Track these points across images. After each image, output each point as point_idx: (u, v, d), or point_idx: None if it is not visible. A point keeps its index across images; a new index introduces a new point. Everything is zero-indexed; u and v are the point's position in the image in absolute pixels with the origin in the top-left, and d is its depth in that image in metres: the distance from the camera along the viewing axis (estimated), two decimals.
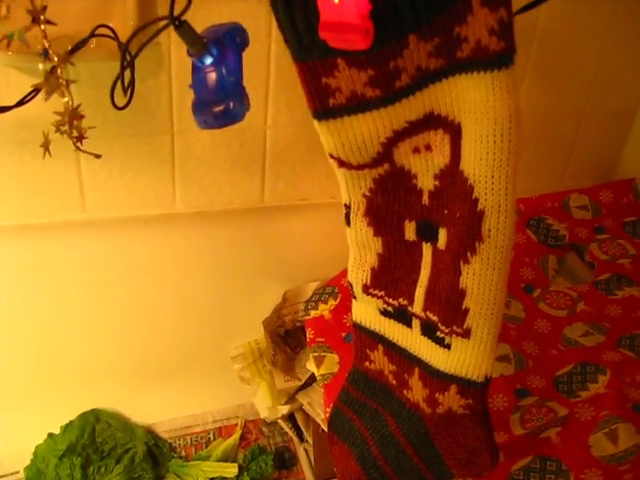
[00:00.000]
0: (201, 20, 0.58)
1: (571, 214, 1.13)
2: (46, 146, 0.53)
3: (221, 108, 0.53)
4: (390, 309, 0.70)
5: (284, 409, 1.07)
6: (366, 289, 0.70)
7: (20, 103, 0.55)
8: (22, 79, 0.76)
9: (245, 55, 0.60)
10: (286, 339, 1.12)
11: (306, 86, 0.56)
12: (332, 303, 1.04)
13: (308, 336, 1.01)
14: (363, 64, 0.53)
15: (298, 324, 1.11)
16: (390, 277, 0.68)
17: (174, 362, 1.17)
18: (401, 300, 0.69)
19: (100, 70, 0.83)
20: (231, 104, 0.52)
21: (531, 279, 1.05)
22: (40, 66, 0.51)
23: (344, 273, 1.05)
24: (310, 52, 0.54)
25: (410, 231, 0.65)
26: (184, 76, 0.93)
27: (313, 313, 1.04)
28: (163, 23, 0.48)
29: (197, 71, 0.53)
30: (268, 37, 0.93)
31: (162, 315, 1.13)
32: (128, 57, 0.54)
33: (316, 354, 0.98)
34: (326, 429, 0.89)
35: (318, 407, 1.02)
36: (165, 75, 0.91)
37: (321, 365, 0.97)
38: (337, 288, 1.05)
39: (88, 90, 0.85)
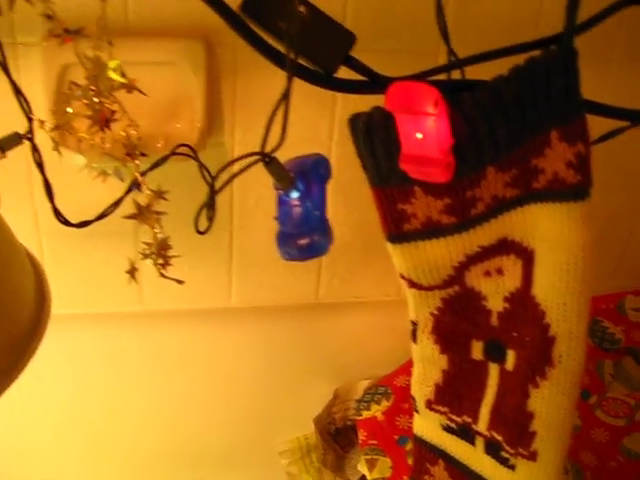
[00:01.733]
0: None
1: (627, 316, 1.12)
2: (132, 273, 0.54)
3: (306, 241, 0.53)
4: (453, 425, 0.69)
5: None
6: (429, 404, 0.69)
7: (102, 216, 0.57)
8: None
9: None
10: (336, 437, 1.11)
11: (381, 210, 0.57)
12: (385, 404, 1.03)
13: (360, 438, 1.00)
14: (440, 193, 0.54)
15: (348, 423, 1.10)
16: (455, 394, 0.68)
17: (222, 455, 1.17)
18: (465, 417, 0.68)
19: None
20: (315, 237, 0.53)
21: (587, 385, 1.03)
22: (133, 200, 0.53)
23: (397, 373, 1.05)
24: (388, 179, 0.55)
25: (477, 350, 0.64)
26: (245, 176, 0.95)
27: (365, 414, 1.03)
28: (252, 159, 0.50)
29: (282, 204, 0.54)
30: (329, 139, 0.95)
31: (212, 407, 1.13)
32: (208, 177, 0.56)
33: (368, 457, 0.97)
34: None
35: None
36: (227, 174, 0.92)
37: (373, 469, 0.96)
38: (390, 388, 1.05)
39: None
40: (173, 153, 0.54)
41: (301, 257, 0.56)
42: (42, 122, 0.49)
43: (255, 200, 0.98)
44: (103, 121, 0.47)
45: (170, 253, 0.55)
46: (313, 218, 0.53)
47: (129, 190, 0.55)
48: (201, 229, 0.59)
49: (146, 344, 1.04)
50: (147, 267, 1.00)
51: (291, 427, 1.14)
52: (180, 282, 0.55)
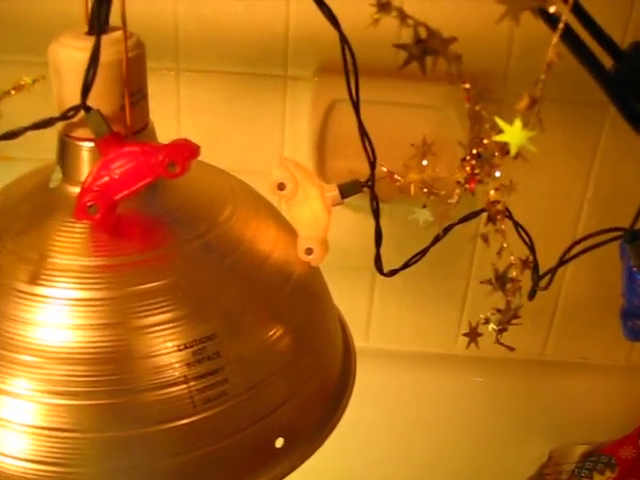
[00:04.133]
0: None
1: None
2: (474, 338, 0.54)
3: None
4: None
5: None
6: None
7: (406, 266, 0.57)
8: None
9: None
10: None
11: None
12: (609, 475, 0.98)
13: None
14: None
15: None
16: None
17: None
18: None
19: None
20: None
21: None
22: (494, 268, 0.52)
23: (622, 442, 1.01)
24: None
25: None
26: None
27: None
28: None
29: (631, 281, 0.53)
30: (581, 196, 0.92)
31: (417, 451, 1.12)
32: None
33: None
34: None
35: None
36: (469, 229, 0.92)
37: None
38: (614, 459, 1.00)
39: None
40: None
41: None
42: (391, 173, 0.50)
43: (496, 249, 0.96)
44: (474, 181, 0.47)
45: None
46: None
47: (437, 239, 0.55)
48: None
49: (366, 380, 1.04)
50: (381, 307, 1.02)
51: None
52: (512, 349, 0.54)
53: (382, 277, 0.87)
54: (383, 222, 0.55)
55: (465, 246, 0.98)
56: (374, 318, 1.04)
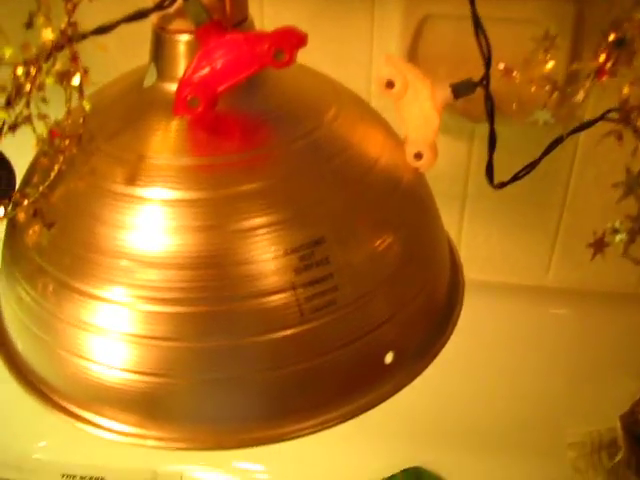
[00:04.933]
0: None
1: None
2: (599, 249, 0.50)
3: None
4: None
5: None
6: None
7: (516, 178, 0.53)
8: None
9: None
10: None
11: None
12: None
13: None
14: None
15: None
16: None
17: (506, 435, 1.12)
18: None
19: None
20: None
21: None
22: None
23: None
24: None
25: None
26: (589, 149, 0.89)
27: None
28: None
29: None
30: None
31: (504, 386, 1.08)
32: None
33: None
34: None
35: None
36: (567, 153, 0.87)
37: None
38: None
39: None
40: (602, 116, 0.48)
41: None
42: (509, 70, 0.45)
43: (594, 176, 0.91)
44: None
45: None
46: None
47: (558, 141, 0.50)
48: None
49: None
50: (470, 237, 0.97)
51: (586, 419, 1.07)
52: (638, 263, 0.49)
53: (471, 206, 0.83)
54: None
55: (560, 172, 0.92)
56: (463, 248, 1.00)
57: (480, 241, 0.99)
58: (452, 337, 1.05)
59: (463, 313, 1.03)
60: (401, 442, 1.12)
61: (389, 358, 0.43)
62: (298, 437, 0.40)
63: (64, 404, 0.44)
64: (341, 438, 1.13)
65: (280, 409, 0.41)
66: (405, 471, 1.10)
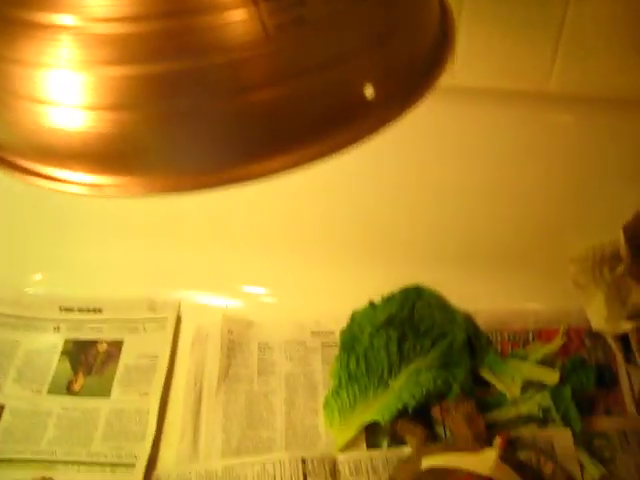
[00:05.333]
0: None
1: None
2: None
3: None
4: None
5: (627, 325, 0.97)
6: None
7: None
8: None
9: None
10: None
11: None
12: None
13: None
14: None
15: None
16: None
17: (506, 252, 1.10)
18: None
19: None
20: None
21: None
22: None
23: None
24: None
25: None
26: None
27: None
28: None
29: None
30: None
31: (504, 200, 1.05)
32: None
33: None
34: None
35: None
36: None
37: None
38: None
39: None
40: None
41: None
42: None
43: None
44: None
45: None
46: None
47: None
48: None
49: (453, 121, 0.95)
50: (467, 38, 0.91)
51: (587, 233, 1.04)
52: None
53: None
54: None
55: None
56: (460, 51, 0.93)
57: (479, 44, 0.92)
58: (450, 148, 1.01)
59: (460, 123, 0.98)
60: (401, 262, 1.11)
61: (369, 93, 0.38)
62: (267, 177, 0.36)
63: (12, 159, 0.40)
64: (342, 260, 1.11)
65: (247, 145, 0.36)
66: (405, 289, 1.08)
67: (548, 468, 0.91)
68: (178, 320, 1.14)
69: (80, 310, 1.16)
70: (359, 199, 1.09)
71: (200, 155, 0.36)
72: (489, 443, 0.88)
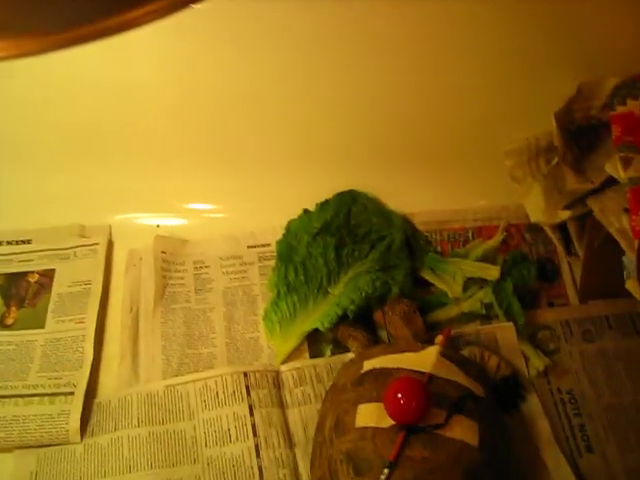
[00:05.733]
0: None
1: None
2: None
3: None
4: None
5: (564, 214, 0.95)
6: None
7: None
8: None
9: None
10: (577, 137, 0.97)
11: None
12: None
13: (614, 134, 0.87)
14: None
15: (593, 122, 0.96)
16: None
17: (439, 149, 1.08)
18: None
19: None
20: None
21: None
22: None
23: None
24: None
25: None
26: None
27: (620, 109, 0.89)
28: None
29: None
30: None
31: (436, 99, 1.01)
32: None
33: (623, 154, 0.84)
34: (621, 241, 0.82)
35: (612, 216, 0.89)
36: None
37: (629, 167, 0.84)
38: None
39: None
40: None
41: None
42: None
43: None
44: None
45: None
46: None
47: None
48: None
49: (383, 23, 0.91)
50: None
51: (522, 124, 1.02)
52: None
53: None
54: None
55: None
56: None
57: None
58: (381, 51, 0.96)
59: (393, 24, 0.93)
60: (335, 170, 1.08)
61: None
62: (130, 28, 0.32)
63: None
64: (276, 171, 1.07)
65: None
66: (339, 195, 1.05)
67: (492, 362, 0.90)
68: (110, 245, 1.09)
69: (8, 243, 1.11)
70: (289, 107, 1.05)
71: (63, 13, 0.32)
72: (431, 343, 0.86)
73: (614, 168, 0.86)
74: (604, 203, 0.91)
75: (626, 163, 0.84)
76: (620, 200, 0.86)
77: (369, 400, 0.77)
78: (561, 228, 1.05)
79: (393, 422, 0.74)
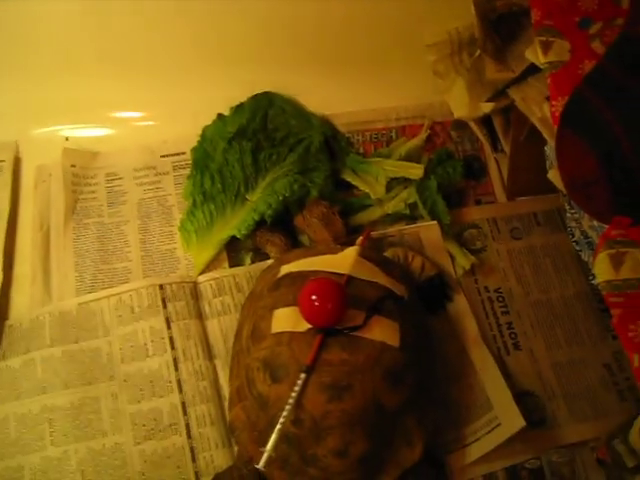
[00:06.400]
0: None
1: None
2: None
3: None
4: None
5: (487, 107, 0.92)
6: None
7: None
8: None
9: None
10: (497, 26, 0.93)
11: None
12: None
13: (533, 18, 0.83)
14: None
15: (515, 9, 0.91)
16: None
17: (357, 47, 1.02)
18: None
19: None
20: None
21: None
22: None
23: None
24: None
25: None
26: None
27: None
28: None
29: None
30: None
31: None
32: None
33: (543, 38, 0.80)
34: (542, 130, 0.79)
35: (534, 105, 0.85)
36: None
37: (549, 51, 0.80)
38: None
39: None
40: None
41: None
42: None
43: None
44: None
45: None
46: None
47: None
48: None
49: None
50: None
51: (442, 16, 0.96)
52: None
53: None
54: None
55: None
56: None
57: None
58: None
59: None
60: (251, 72, 1.01)
61: None
62: None
63: None
64: (187, 76, 1.00)
65: None
66: (254, 97, 0.99)
67: (416, 263, 0.87)
68: (18, 161, 1.02)
69: None
70: (199, 5, 0.98)
71: None
72: (353, 245, 0.82)
73: (534, 54, 0.81)
74: (526, 92, 0.87)
75: (546, 47, 0.80)
76: (542, 88, 0.83)
77: (285, 304, 0.74)
78: (487, 124, 1.02)
79: (309, 326, 0.70)
